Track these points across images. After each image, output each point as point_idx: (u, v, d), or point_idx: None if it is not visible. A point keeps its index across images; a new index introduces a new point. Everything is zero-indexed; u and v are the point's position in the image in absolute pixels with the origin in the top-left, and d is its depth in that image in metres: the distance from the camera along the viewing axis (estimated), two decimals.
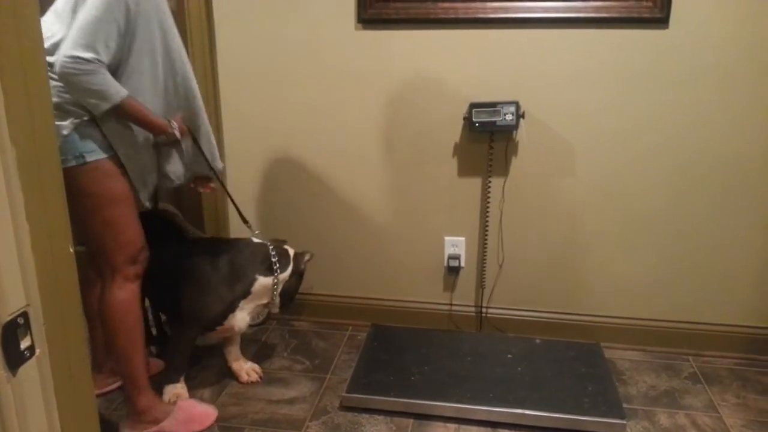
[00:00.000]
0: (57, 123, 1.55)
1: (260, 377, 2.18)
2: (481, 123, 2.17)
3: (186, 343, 2.01)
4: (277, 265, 1.99)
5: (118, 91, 1.57)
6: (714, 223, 2.24)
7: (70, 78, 1.51)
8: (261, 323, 2.57)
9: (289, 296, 2.11)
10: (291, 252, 2.08)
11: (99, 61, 1.52)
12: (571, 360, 2.18)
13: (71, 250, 0.73)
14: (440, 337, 2.36)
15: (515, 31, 2.16)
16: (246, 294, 1.97)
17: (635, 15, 2.07)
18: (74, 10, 1.56)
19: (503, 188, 2.32)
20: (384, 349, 2.27)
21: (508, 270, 2.42)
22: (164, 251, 2.00)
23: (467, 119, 2.20)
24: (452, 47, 2.23)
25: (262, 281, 1.98)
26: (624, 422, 1.87)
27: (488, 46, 2.19)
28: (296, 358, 2.34)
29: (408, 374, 2.11)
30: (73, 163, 1.60)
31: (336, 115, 2.37)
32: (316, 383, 2.18)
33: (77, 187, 1.61)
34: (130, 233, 1.74)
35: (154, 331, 2.35)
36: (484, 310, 2.47)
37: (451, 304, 2.50)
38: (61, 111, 1.58)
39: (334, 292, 2.59)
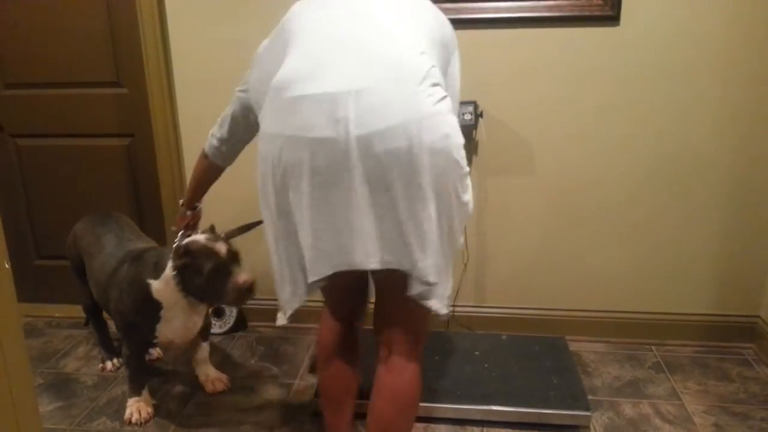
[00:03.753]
0: None
1: (227, 386, 2.16)
2: None
3: (130, 360, 1.97)
4: (164, 263, 1.79)
5: None
6: (670, 215, 2.29)
7: None
8: (229, 331, 2.54)
9: (202, 293, 1.79)
10: (183, 242, 1.79)
11: None
12: (537, 354, 2.21)
13: (7, 266, 0.72)
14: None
15: (469, 32, 2.17)
16: (153, 303, 1.82)
17: (587, 13, 2.10)
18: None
19: None
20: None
21: (473, 268, 2.44)
22: (102, 257, 1.98)
23: None
24: None
25: (156, 285, 1.80)
26: (589, 414, 1.89)
27: None
28: (264, 365, 2.32)
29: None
30: None
31: None
32: (284, 389, 2.16)
33: None
34: None
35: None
36: (450, 308, 2.48)
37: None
38: None
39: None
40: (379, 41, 1.24)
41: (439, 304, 1.31)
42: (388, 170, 1.18)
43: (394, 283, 1.30)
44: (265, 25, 2.27)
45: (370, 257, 1.24)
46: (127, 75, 2.45)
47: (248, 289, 1.76)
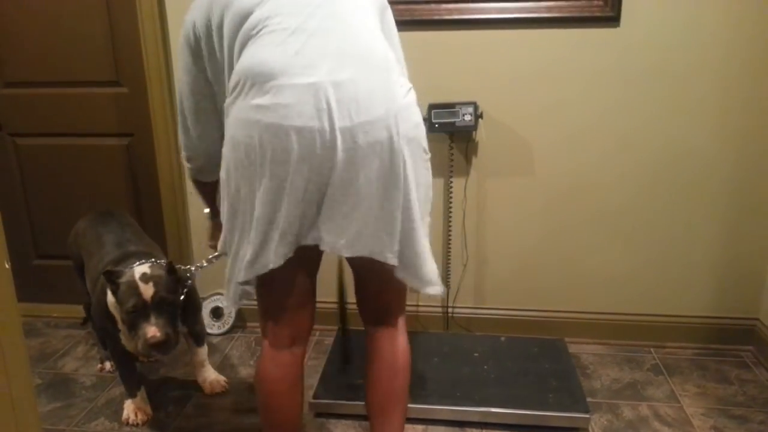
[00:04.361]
0: None
1: (225, 388, 2.15)
2: (440, 124, 2.18)
3: (118, 363, 1.97)
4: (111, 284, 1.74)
5: None
6: (671, 217, 2.29)
7: None
8: (227, 332, 2.54)
9: (127, 327, 1.74)
10: (128, 272, 1.73)
11: None
12: (536, 356, 2.21)
13: (7, 266, 0.71)
14: (413, 338, 2.36)
15: (471, 33, 2.17)
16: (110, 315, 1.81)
17: (587, 14, 2.10)
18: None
19: (465, 189, 2.33)
20: (351, 352, 2.26)
21: (473, 270, 2.44)
22: (99, 256, 1.98)
23: (426, 120, 2.20)
24: (408, 49, 2.23)
25: (110, 298, 1.77)
26: (588, 416, 1.89)
27: (444, 47, 2.21)
28: None
29: None
30: None
31: None
32: None
33: None
34: None
35: None
36: (450, 310, 2.48)
37: (417, 305, 2.51)
38: None
39: None
40: (348, 30, 1.26)
41: (434, 290, 1.39)
42: (370, 160, 1.21)
43: (377, 264, 1.31)
44: None
45: (353, 246, 1.27)
46: (126, 74, 2.45)
47: (154, 345, 1.66)
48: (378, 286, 1.47)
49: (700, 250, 2.32)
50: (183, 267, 1.85)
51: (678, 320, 2.39)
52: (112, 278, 1.71)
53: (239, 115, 1.24)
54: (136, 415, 1.97)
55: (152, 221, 2.60)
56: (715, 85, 2.13)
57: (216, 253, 1.79)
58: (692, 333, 2.39)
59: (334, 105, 1.19)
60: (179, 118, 1.50)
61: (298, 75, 1.20)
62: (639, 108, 2.20)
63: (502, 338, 2.34)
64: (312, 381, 2.17)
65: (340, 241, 1.27)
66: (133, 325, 1.70)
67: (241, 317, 2.60)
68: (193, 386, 2.16)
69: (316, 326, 2.56)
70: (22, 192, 2.67)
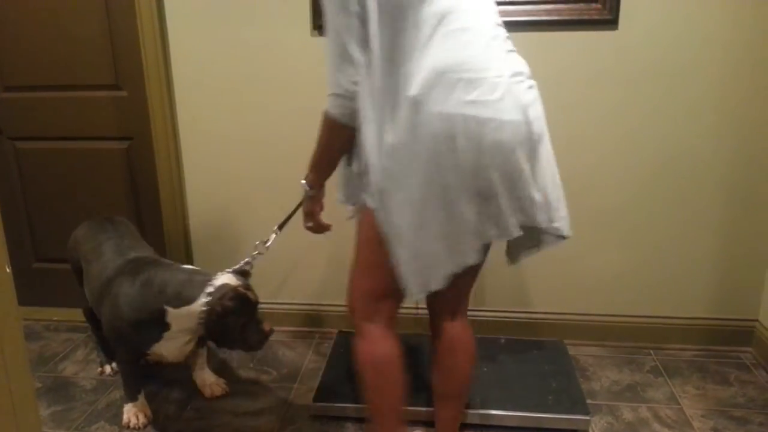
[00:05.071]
0: None
1: (225, 391, 2.15)
2: None
3: (124, 368, 1.96)
4: (188, 296, 1.74)
5: None
6: (669, 219, 2.29)
7: None
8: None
9: (220, 336, 1.77)
10: (217, 282, 1.76)
11: None
12: (535, 358, 2.21)
13: (8, 270, 0.71)
14: (406, 341, 2.35)
15: None
16: (163, 324, 1.78)
17: (585, 17, 2.11)
18: None
19: None
20: (351, 355, 2.26)
21: None
22: (100, 264, 1.97)
23: None
24: None
25: (174, 313, 1.75)
26: (588, 418, 1.89)
27: None
28: (263, 369, 2.31)
29: None
30: None
31: (295, 121, 2.36)
32: (283, 393, 2.16)
33: None
34: None
35: None
36: None
37: (417, 308, 2.51)
38: None
39: (300, 300, 2.57)
40: (499, 26, 1.39)
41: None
42: (540, 148, 1.38)
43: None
44: (264, 29, 2.28)
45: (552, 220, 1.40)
46: (126, 78, 2.45)
47: (269, 335, 1.83)
48: (469, 278, 1.55)
49: (700, 252, 2.32)
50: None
51: (677, 322, 2.39)
52: (225, 299, 1.71)
53: (450, 110, 1.26)
54: (137, 418, 1.97)
55: (152, 224, 2.60)
56: (712, 86, 2.14)
57: (256, 252, 1.93)
58: (692, 334, 2.39)
59: (524, 99, 1.32)
60: (334, 54, 1.33)
61: (495, 69, 1.29)
62: (637, 109, 2.20)
63: (502, 340, 2.34)
64: (312, 383, 2.17)
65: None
66: (245, 328, 1.77)
67: None
68: (193, 389, 2.16)
69: (315, 329, 2.58)
70: (22, 196, 2.67)
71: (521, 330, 2.44)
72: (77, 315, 2.37)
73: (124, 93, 2.47)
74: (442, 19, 1.28)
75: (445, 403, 1.69)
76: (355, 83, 1.34)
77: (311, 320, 2.59)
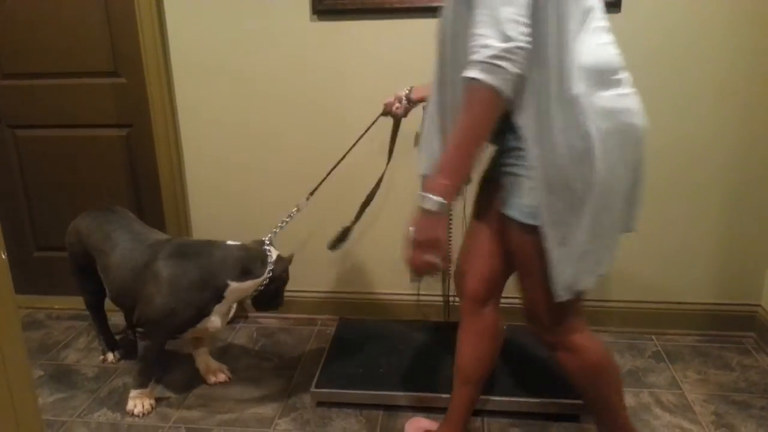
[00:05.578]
0: None
1: (227, 377, 2.16)
2: None
3: (151, 352, 1.96)
4: (251, 269, 1.91)
5: None
6: (671, 204, 2.28)
7: None
8: (228, 322, 2.54)
9: (266, 300, 2.00)
10: (273, 255, 1.95)
11: None
12: (537, 343, 2.20)
13: (3, 257, 0.71)
14: (408, 328, 2.37)
15: None
16: (219, 299, 1.90)
17: None
18: None
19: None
20: (352, 342, 2.26)
21: None
22: (120, 252, 1.96)
23: (425, 109, 2.19)
24: (407, 37, 2.22)
25: (235, 286, 1.89)
26: None
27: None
28: (264, 356, 2.32)
29: (376, 366, 2.11)
30: None
31: (296, 107, 2.35)
32: (284, 380, 2.16)
33: None
34: None
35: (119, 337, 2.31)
36: (450, 298, 2.48)
37: (418, 294, 2.51)
38: None
39: (301, 287, 2.57)
40: None
41: None
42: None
43: None
44: (262, 14, 2.26)
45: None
46: (125, 65, 2.43)
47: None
48: None
49: (701, 237, 2.31)
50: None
51: (679, 307, 2.39)
52: (284, 265, 1.97)
53: (614, 104, 1.30)
54: (142, 406, 1.98)
55: (152, 211, 2.60)
56: (715, 70, 2.12)
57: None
58: (693, 320, 2.39)
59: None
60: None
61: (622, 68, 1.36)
62: (641, 93, 2.17)
63: (504, 326, 2.33)
64: (313, 370, 2.17)
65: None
66: (281, 290, 2.02)
67: (242, 307, 2.60)
68: (194, 377, 2.16)
69: (317, 316, 2.58)
70: (21, 184, 2.66)
71: (522, 316, 2.43)
72: (78, 303, 2.37)
73: (123, 80, 2.46)
74: (586, 15, 1.26)
75: (468, 387, 1.69)
76: (525, 34, 1.05)
77: (313, 307, 2.59)
